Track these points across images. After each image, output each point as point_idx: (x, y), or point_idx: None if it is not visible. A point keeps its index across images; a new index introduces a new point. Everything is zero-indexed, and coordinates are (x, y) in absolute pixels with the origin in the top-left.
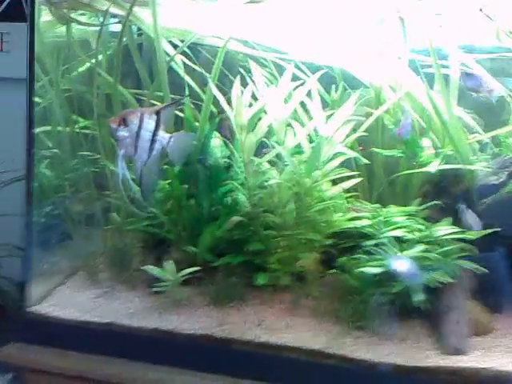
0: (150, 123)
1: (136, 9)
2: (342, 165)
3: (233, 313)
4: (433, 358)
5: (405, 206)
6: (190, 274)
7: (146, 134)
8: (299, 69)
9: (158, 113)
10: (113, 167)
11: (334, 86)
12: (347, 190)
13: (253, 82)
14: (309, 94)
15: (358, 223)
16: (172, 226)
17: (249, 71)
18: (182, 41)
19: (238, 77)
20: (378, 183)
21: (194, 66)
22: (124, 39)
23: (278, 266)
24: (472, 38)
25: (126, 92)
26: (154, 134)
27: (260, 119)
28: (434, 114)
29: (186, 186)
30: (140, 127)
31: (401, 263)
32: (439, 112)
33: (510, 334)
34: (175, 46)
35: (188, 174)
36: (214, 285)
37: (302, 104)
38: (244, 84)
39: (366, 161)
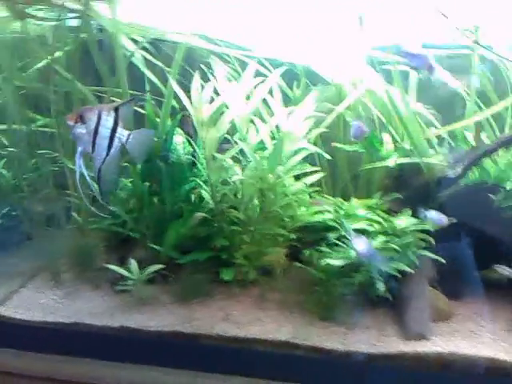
0: (108, 120)
1: (95, 3)
2: (307, 160)
3: (199, 309)
4: (396, 344)
5: (367, 199)
6: (155, 271)
7: (105, 131)
8: (263, 65)
9: (116, 109)
10: (72, 166)
11: (297, 83)
12: (311, 185)
13: (214, 77)
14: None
15: (321, 217)
16: (135, 225)
17: (211, 67)
18: (144, 37)
19: (197, 72)
20: (341, 178)
21: (157, 62)
22: (83, 35)
23: (245, 261)
24: (431, 35)
25: (84, 89)
26: (113, 131)
27: (222, 115)
28: (392, 110)
29: (148, 184)
30: (98, 124)
31: (361, 243)
32: (396, 107)
33: (469, 319)
34: (137, 42)
35: (150, 172)
36: (179, 282)
37: (265, 100)
38: (207, 80)
39: (328, 156)
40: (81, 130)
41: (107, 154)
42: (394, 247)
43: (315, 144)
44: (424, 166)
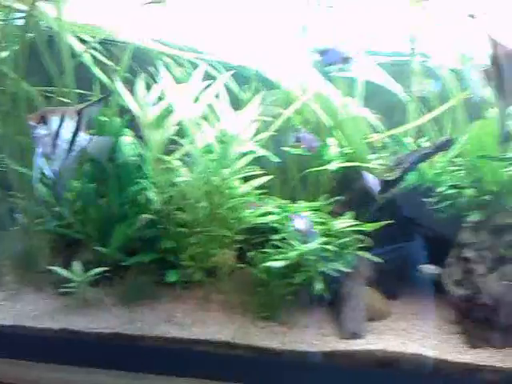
0: (70, 123)
1: (42, 4)
2: (259, 163)
3: (143, 311)
4: (331, 343)
5: (314, 201)
6: (99, 274)
7: (66, 134)
8: (216, 68)
9: (79, 113)
10: (18, 167)
11: (249, 86)
12: (263, 187)
13: (160, 80)
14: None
15: (266, 219)
16: (81, 226)
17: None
18: (93, 37)
19: (142, 75)
20: (291, 180)
21: (109, 62)
22: (30, 34)
23: (191, 262)
24: (375, 42)
25: (31, 89)
26: (75, 134)
27: (168, 117)
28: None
29: (93, 185)
30: (60, 126)
31: (300, 222)
32: (336, 112)
33: (404, 318)
34: (86, 42)
35: (97, 173)
36: (124, 284)
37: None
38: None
39: (276, 159)
40: (42, 131)
41: (67, 157)
42: (330, 248)
43: (265, 147)
44: (364, 170)
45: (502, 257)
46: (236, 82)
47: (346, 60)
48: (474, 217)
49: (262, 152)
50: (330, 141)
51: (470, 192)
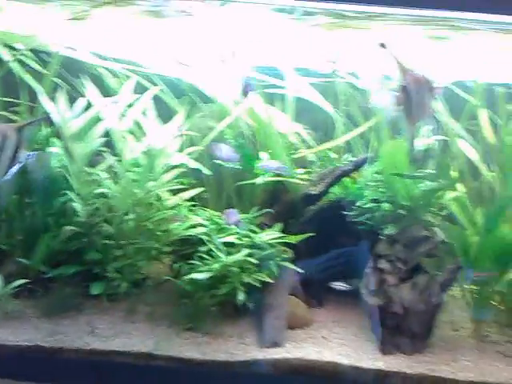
0: (10, 140)
1: None
2: (195, 175)
3: (66, 323)
4: (252, 352)
5: (247, 213)
6: (21, 285)
7: (6, 151)
8: (153, 82)
9: (19, 130)
10: None
11: (184, 99)
12: (198, 199)
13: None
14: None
15: (194, 231)
16: (6, 238)
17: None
18: (26, 45)
19: (64, 89)
20: (226, 192)
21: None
22: None
23: (117, 274)
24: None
25: None
26: (16, 150)
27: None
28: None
29: (19, 196)
30: (2, 143)
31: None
32: (267, 127)
33: (325, 326)
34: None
35: (22, 184)
36: (48, 296)
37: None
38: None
39: (208, 172)
40: None
41: (7, 173)
42: (251, 260)
43: (200, 159)
44: (289, 184)
45: (414, 268)
46: (173, 94)
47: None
48: (389, 230)
49: (193, 164)
50: (262, 155)
51: (386, 206)
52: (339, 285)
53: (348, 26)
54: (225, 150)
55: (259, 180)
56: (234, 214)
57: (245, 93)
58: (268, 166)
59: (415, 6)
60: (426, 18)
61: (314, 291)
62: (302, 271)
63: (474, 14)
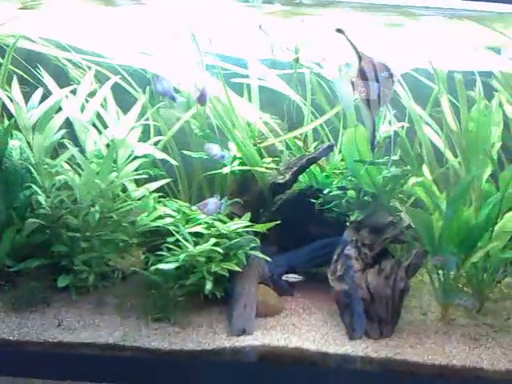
0: None
1: None
2: (159, 165)
3: (33, 316)
4: (220, 341)
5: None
6: None
7: None
8: (118, 72)
9: None
10: None
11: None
12: (162, 190)
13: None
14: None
15: (161, 222)
16: None
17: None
18: None
19: (15, 78)
20: (196, 182)
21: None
22: None
23: (84, 267)
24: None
25: None
26: None
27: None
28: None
29: None
30: None
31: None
32: (234, 117)
33: (295, 314)
34: None
35: None
36: (14, 290)
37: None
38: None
39: (175, 162)
40: None
41: None
42: (219, 250)
43: (167, 150)
44: (256, 173)
45: (380, 253)
46: (138, 85)
47: (176, 91)
48: (354, 216)
49: (159, 155)
50: (231, 145)
51: (351, 193)
52: (292, 277)
53: (302, 14)
54: (216, 149)
55: (226, 169)
56: (214, 203)
57: (200, 101)
58: (211, 152)
59: None
60: (377, 5)
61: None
62: (270, 260)
63: (424, 1)
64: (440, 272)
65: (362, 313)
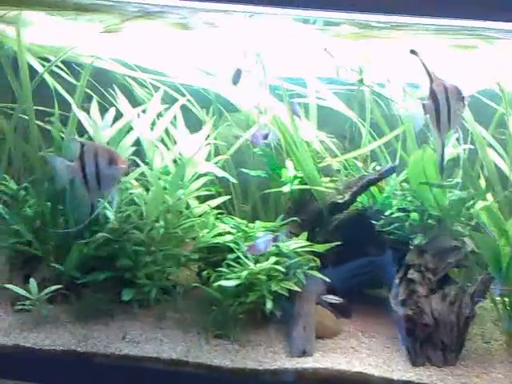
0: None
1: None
2: (222, 183)
3: (98, 328)
4: (281, 361)
5: (273, 221)
6: (55, 291)
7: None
8: (178, 91)
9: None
10: None
11: (210, 109)
12: (219, 207)
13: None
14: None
15: (221, 239)
16: (40, 244)
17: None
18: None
19: (95, 100)
20: (251, 200)
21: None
22: None
23: (147, 280)
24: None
25: None
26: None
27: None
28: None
29: (52, 203)
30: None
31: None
32: (293, 135)
33: (354, 336)
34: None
35: (55, 191)
36: (80, 301)
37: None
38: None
39: (234, 180)
40: None
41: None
42: (279, 268)
43: (225, 168)
44: (315, 192)
45: (444, 278)
46: (199, 104)
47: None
48: (418, 239)
49: (219, 173)
50: (288, 163)
51: (414, 216)
52: (332, 298)
53: (371, 36)
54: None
55: (285, 188)
56: (263, 242)
57: (234, 81)
58: (256, 138)
59: (439, 16)
60: (451, 27)
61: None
62: (329, 280)
63: (499, 24)
64: (506, 299)
65: (426, 339)
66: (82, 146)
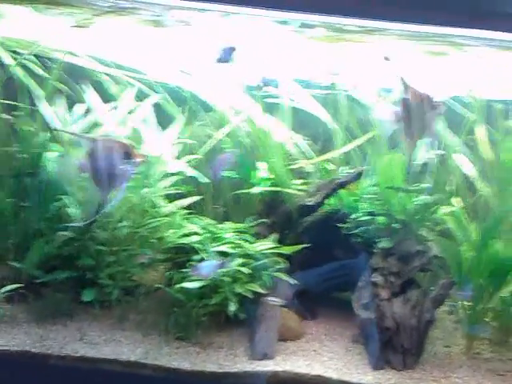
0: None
1: None
2: (191, 183)
3: (56, 329)
4: (241, 364)
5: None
6: (13, 290)
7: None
8: (153, 89)
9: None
10: None
11: (185, 107)
12: (192, 207)
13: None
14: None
15: (187, 239)
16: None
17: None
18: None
19: (63, 94)
20: (223, 201)
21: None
22: None
23: (109, 281)
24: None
25: None
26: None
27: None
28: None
29: (14, 200)
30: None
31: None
32: (266, 137)
33: (317, 339)
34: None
35: (18, 188)
36: (39, 301)
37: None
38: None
39: (206, 180)
40: None
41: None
42: (243, 270)
43: (199, 168)
44: (285, 195)
45: (407, 282)
46: (175, 103)
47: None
48: (383, 243)
49: (190, 172)
50: (260, 165)
51: (381, 219)
52: (273, 300)
53: (345, 40)
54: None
55: (255, 190)
56: (211, 266)
57: (221, 60)
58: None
59: (413, 22)
60: (424, 33)
61: (306, 303)
62: (297, 282)
63: (469, 31)
64: (466, 304)
65: (386, 343)
66: (93, 141)
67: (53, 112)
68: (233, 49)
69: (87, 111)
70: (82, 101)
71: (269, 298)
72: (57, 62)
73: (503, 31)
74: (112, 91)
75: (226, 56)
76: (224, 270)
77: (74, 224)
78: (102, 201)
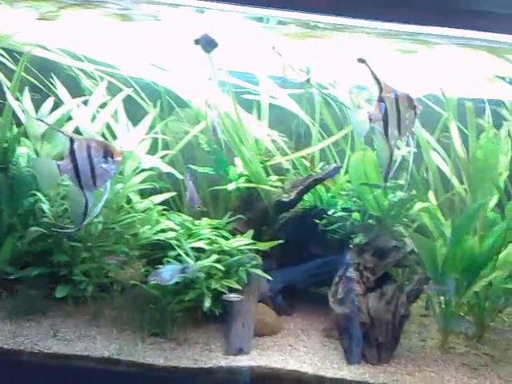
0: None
1: None
2: (167, 179)
3: (29, 325)
4: (216, 359)
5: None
6: None
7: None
8: (127, 84)
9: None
10: None
11: (159, 102)
12: (166, 203)
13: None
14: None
15: (163, 235)
16: None
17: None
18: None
19: (27, 90)
20: (202, 197)
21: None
22: None
23: (83, 277)
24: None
25: None
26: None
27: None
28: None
29: None
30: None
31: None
32: (243, 133)
33: (293, 334)
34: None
35: None
36: (11, 297)
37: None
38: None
39: (180, 176)
40: None
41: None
42: (218, 266)
43: (173, 164)
44: (261, 191)
45: (382, 277)
46: (148, 98)
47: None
48: (358, 239)
49: (165, 168)
50: (237, 161)
51: (356, 215)
52: (232, 296)
53: (316, 36)
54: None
55: (231, 186)
56: (170, 270)
57: (199, 44)
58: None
59: (382, 20)
60: (393, 31)
61: (286, 298)
62: (272, 279)
63: (438, 29)
64: (441, 298)
65: (362, 337)
66: (72, 141)
67: (19, 105)
68: (215, 44)
69: (57, 105)
70: (51, 95)
71: (230, 295)
72: (25, 55)
73: (472, 29)
74: (83, 85)
75: (206, 45)
76: (185, 275)
77: (66, 231)
78: (87, 202)
